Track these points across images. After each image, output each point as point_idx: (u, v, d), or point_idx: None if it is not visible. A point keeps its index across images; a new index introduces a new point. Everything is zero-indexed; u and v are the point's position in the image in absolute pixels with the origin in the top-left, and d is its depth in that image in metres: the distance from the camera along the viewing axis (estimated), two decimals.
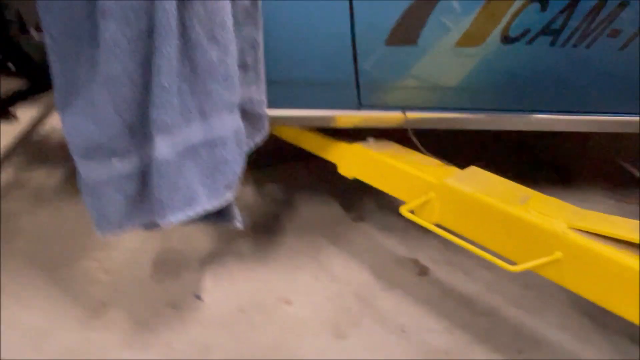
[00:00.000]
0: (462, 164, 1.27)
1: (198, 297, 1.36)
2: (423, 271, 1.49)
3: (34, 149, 2.12)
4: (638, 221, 0.99)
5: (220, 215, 1.08)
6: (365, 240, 1.61)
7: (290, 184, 1.91)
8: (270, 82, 1.10)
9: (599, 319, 1.29)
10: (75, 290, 1.37)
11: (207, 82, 0.94)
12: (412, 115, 1.26)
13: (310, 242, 1.59)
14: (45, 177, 1.88)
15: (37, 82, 1.52)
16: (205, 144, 0.97)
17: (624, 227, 0.98)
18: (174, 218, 0.96)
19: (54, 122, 2.37)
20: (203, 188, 0.98)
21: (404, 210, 1.15)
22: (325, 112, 1.24)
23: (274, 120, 1.21)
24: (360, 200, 1.81)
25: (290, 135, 1.58)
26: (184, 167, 0.95)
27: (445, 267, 1.49)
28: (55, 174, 1.90)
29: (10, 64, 1.53)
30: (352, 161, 1.37)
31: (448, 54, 1.11)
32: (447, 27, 1.07)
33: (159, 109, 0.89)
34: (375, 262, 1.51)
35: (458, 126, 1.30)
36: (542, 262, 1.00)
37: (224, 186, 1.00)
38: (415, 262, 1.52)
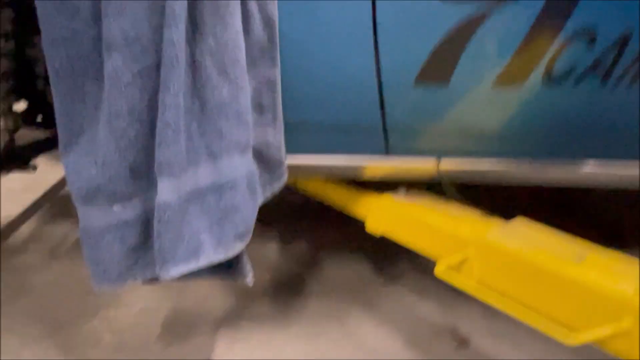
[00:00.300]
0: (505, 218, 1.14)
1: None
2: (463, 342, 1.31)
3: (61, 203, 2.10)
4: None
5: (229, 269, 0.96)
6: (398, 305, 1.46)
7: (317, 242, 1.79)
8: (288, 125, 1.02)
9: None
10: (76, 351, 1.26)
11: (217, 121, 0.86)
12: (447, 164, 1.14)
13: (337, 306, 1.45)
14: (67, 232, 1.83)
15: None
16: (214, 189, 0.88)
17: None
18: (176, 270, 0.85)
19: None
20: (210, 237, 0.88)
21: (438, 270, 1.01)
22: (349, 159, 1.14)
23: (291, 170, 1.12)
24: (393, 260, 1.67)
25: (314, 189, 1.48)
26: (189, 213, 0.86)
27: (488, 338, 1.31)
28: (77, 230, 1.85)
29: (38, 117, 1.52)
30: (380, 215, 1.25)
31: (484, 96, 1.01)
32: (484, 65, 0.97)
33: (163, 149, 0.81)
34: (408, 330, 1.35)
35: (497, 177, 1.18)
36: (606, 332, 0.83)
37: (233, 236, 0.90)
38: (454, 331, 1.34)
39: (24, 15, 1.30)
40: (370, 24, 0.94)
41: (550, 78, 0.99)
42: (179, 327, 1.35)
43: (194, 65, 0.83)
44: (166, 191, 0.83)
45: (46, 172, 2.49)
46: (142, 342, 1.30)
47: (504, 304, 0.98)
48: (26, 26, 1.35)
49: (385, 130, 1.07)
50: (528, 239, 1.00)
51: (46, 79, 1.39)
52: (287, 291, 1.51)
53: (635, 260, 0.93)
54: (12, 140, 1.34)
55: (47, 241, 1.76)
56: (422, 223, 1.15)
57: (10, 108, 1.32)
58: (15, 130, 1.34)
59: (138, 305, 1.43)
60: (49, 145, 1.50)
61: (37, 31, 1.39)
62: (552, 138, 1.10)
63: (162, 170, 0.82)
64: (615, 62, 0.96)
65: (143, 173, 0.86)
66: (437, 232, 1.11)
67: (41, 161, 2.29)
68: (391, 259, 1.65)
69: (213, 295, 1.47)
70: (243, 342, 1.30)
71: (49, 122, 1.51)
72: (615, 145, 1.09)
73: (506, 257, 0.99)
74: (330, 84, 1.00)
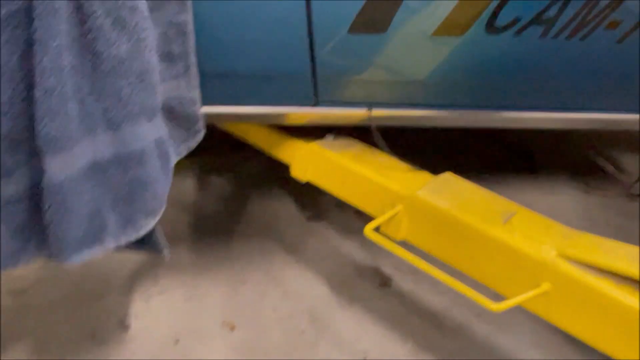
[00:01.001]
0: (430, 162, 1.11)
1: (123, 325, 1.15)
2: (385, 282, 1.33)
3: None
4: (638, 247, 0.86)
5: (142, 244, 0.86)
6: (322, 244, 1.44)
7: (238, 177, 1.70)
8: (207, 75, 0.88)
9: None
10: None
11: (114, 82, 0.71)
12: (378, 112, 1.07)
13: (260, 248, 1.40)
14: None
15: None
16: (117, 162, 0.75)
17: (622, 256, 0.84)
18: (78, 257, 0.74)
19: None
20: (116, 216, 0.76)
21: (368, 231, 0.97)
22: (275, 109, 1.03)
23: (213, 118, 1.00)
24: (315, 196, 1.63)
25: (237, 129, 1.36)
26: (87, 191, 0.73)
27: (409, 276, 1.34)
28: None
29: None
30: (307, 163, 1.18)
31: (422, 44, 0.92)
32: (424, 13, 0.87)
33: (47, 121, 0.66)
34: (333, 271, 1.34)
35: (427, 124, 1.13)
36: (527, 297, 0.86)
37: (143, 213, 0.79)
38: (377, 270, 1.36)
39: None
40: None
41: (491, 27, 0.92)
42: (87, 284, 1.25)
43: (80, 12, 0.66)
44: (55, 170, 0.69)
45: None
46: (47, 304, 1.19)
47: (430, 268, 0.97)
48: None
49: (314, 79, 0.96)
50: (457, 197, 0.99)
51: None
52: (207, 234, 1.44)
53: (558, 224, 0.94)
54: None
55: None
56: (350, 174, 1.09)
57: None
58: None
59: (40, 264, 1.29)
60: None
61: None
62: (485, 87, 1.05)
63: (47, 145, 0.68)
64: (558, 15, 0.90)
65: (24, 143, 0.70)
66: (366, 185, 1.07)
67: None
68: (313, 195, 1.61)
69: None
70: (161, 298, 1.23)
71: None
72: (550, 95, 1.07)
73: (437, 215, 0.97)
74: (255, 29, 0.86)
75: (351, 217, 1.51)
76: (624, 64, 0.99)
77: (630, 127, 1.13)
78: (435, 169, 1.09)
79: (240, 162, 1.74)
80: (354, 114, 1.07)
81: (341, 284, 1.30)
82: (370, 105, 1.04)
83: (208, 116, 0.95)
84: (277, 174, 1.66)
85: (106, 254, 1.30)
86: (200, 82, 0.88)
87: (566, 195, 1.69)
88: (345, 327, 1.19)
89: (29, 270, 1.27)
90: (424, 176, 1.06)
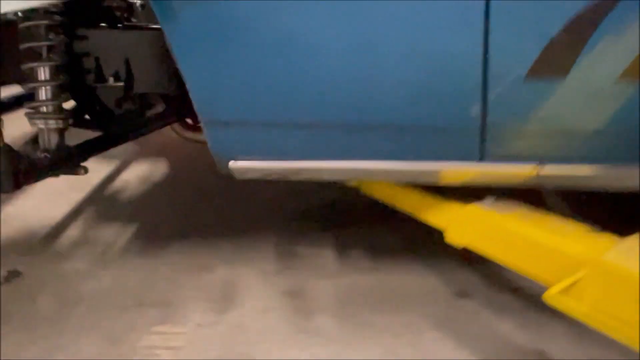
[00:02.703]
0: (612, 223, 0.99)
1: None
2: None
3: (105, 205, 2.02)
4: None
5: None
6: (474, 322, 1.32)
7: (377, 249, 1.66)
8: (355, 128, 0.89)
9: None
10: None
11: None
12: (548, 171, 0.99)
13: (407, 323, 1.31)
14: (114, 237, 1.75)
15: (111, 133, 1.40)
16: None
17: None
18: None
19: (127, 177, 2.30)
20: None
21: (549, 295, 0.86)
22: (431, 165, 1.00)
23: (356, 174, 0.98)
24: (458, 269, 1.53)
25: (383, 193, 1.35)
26: None
27: None
28: (125, 233, 1.77)
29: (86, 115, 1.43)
30: (466, 226, 1.11)
31: (605, 88, 0.85)
32: (610, 56, 0.82)
33: None
34: (490, 352, 1.20)
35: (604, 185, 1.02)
36: None
37: None
38: (542, 354, 1.20)
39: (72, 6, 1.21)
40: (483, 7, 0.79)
41: None
42: (237, 345, 1.25)
43: None
44: None
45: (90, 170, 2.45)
46: None
47: (622, 334, 0.84)
48: (74, 19, 1.26)
49: (482, 132, 0.92)
50: None
51: (97, 74, 1.30)
52: (350, 305, 1.39)
53: None
54: (62, 140, 1.25)
55: (95, 246, 1.68)
56: (519, 237, 1.00)
57: (60, 106, 1.23)
58: (64, 129, 1.25)
59: (194, 319, 1.33)
60: (100, 146, 1.41)
61: (86, 24, 1.32)
62: None
63: None
64: None
65: None
66: (538, 249, 0.97)
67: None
68: (456, 267, 1.51)
69: (273, 309, 1.36)
70: None
71: (99, 122, 1.42)
72: None
73: (627, 280, 0.84)
74: (428, 77, 0.86)
75: (504, 295, 1.38)
76: None
77: None
78: (621, 232, 0.97)
79: (379, 235, 1.71)
80: (521, 172, 1.00)
81: None
82: (540, 160, 0.96)
83: (353, 172, 0.94)
84: (418, 248, 1.60)
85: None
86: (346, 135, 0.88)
87: None
88: None
89: (182, 330, 1.30)
90: (609, 238, 0.94)
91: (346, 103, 0.94)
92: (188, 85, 0.99)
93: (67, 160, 1.27)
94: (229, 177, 1.11)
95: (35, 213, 1.90)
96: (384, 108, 0.94)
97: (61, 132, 1.24)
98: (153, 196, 2.13)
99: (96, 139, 1.37)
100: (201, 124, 1.02)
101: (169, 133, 1.92)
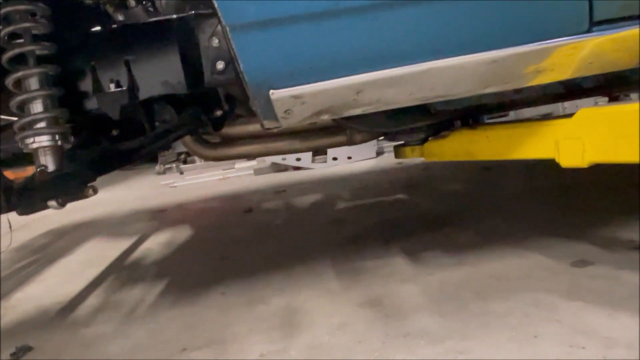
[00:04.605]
0: None
1: None
2: None
3: (127, 272, 1.75)
4: None
5: None
6: (611, 284, 1.01)
7: (451, 249, 1.38)
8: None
9: None
10: None
11: None
12: None
13: (534, 302, 1.01)
14: (140, 295, 1.46)
15: (122, 148, 1.18)
16: None
17: None
18: None
19: (148, 246, 2.05)
20: None
21: None
22: (538, 46, 0.76)
23: (447, 78, 0.74)
24: (561, 245, 1.24)
25: (457, 149, 1.11)
26: None
27: None
28: (153, 290, 1.48)
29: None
30: (583, 137, 0.85)
31: None
32: None
33: None
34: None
35: None
36: None
37: None
38: None
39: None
40: None
41: None
42: None
43: None
44: None
45: (105, 249, 2.20)
46: None
47: None
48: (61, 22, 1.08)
49: None
50: None
51: (94, 81, 1.10)
52: (451, 300, 1.09)
53: None
54: (61, 159, 1.02)
55: (119, 308, 1.39)
56: None
57: (56, 119, 1.01)
58: (63, 147, 1.03)
59: (255, 351, 1.02)
60: (111, 162, 1.19)
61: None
62: None
63: None
64: None
65: None
66: None
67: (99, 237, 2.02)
68: (552, 244, 1.22)
69: (351, 323, 1.05)
70: None
71: (104, 135, 1.19)
72: None
73: None
74: None
75: (630, 254, 1.08)
76: None
77: None
78: None
79: (446, 236, 1.43)
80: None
81: None
82: None
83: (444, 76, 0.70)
84: (495, 237, 1.32)
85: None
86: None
87: None
88: None
89: None
90: None
91: None
92: None
93: (72, 179, 1.04)
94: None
95: (48, 294, 1.63)
96: None
97: (59, 150, 1.02)
98: (180, 254, 1.86)
99: (105, 154, 1.15)
100: (232, 43, 0.76)
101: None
